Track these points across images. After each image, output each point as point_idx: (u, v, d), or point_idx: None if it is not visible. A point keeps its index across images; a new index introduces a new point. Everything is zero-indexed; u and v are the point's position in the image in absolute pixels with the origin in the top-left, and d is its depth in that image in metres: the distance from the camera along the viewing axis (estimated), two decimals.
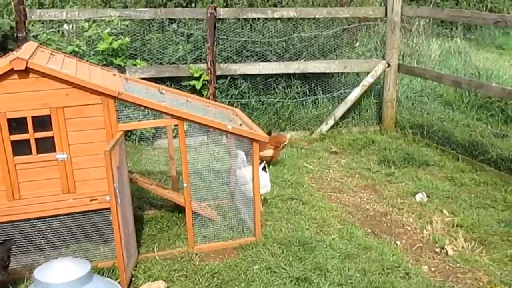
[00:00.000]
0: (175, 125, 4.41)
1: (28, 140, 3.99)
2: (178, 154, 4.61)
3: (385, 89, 8.19)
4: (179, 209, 5.16)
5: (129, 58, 7.43)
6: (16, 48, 6.85)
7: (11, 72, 3.81)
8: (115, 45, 7.10)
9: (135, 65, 7.40)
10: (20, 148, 4.00)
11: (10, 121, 3.91)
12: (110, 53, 7.19)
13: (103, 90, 4.01)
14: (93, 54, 7.24)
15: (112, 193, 3.88)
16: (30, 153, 4.02)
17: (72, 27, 7.68)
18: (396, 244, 4.87)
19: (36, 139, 4.00)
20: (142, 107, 4.36)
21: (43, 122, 3.99)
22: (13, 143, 3.96)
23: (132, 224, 4.44)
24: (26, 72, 3.83)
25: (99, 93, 4.01)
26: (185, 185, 4.47)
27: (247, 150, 4.82)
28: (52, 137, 4.03)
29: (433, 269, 4.49)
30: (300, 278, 4.21)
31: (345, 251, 4.60)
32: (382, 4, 8.84)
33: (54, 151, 4.06)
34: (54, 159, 4.08)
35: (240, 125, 4.71)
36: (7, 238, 4.19)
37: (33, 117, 3.94)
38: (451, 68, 9.63)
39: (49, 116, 3.97)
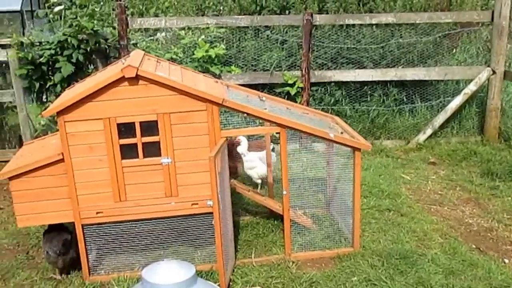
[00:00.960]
0: (277, 133, 4.51)
1: (135, 144, 4.21)
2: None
3: (488, 97, 8.01)
4: (274, 216, 5.27)
5: (224, 65, 7.62)
6: (117, 56, 7.21)
7: (122, 79, 4.05)
8: (212, 52, 7.30)
9: (230, 72, 7.59)
10: (127, 151, 4.24)
11: (119, 126, 4.16)
12: (206, 60, 7.39)
13: (208, 97, 4.18)
14: (190, 61, 7.47)
15: (215, 198, 4.02)
16: (137, 156, 4.25)
17: (165, 35, 7.95)
18: (504, 262, 4.74)
19: (143, 144, 4.22)
20: (245, 114, 4.49)
21: (149, 127, 4.20)
22: (122, 147, 4.20)
23: (231, 229, 4.58)
24: (136, 79, 4.07)
25: (204, 99, 4.19)
26: (284, 192, 4.55)
27: (346, 160, 4.83)
28: (158, 142, 4.23)
29: None
30: None
31: (449, 267, 4.52)
32: (484, 7, 8.61)
33: (159, 155, 4.27)
34: (159, 163, 4.28)
35: (341, 133, 4.74)
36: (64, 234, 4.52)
37: (140, 122, 4.16)
38: None
39: (155, 122, 4.18)
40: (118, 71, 4.03)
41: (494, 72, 7.88)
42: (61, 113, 4.09)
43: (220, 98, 4.20)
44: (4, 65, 7.69)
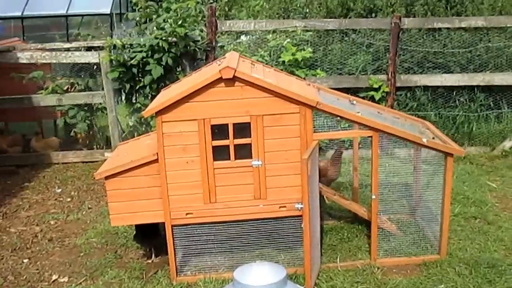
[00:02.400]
0: (369, 136, 4.44)
1: (227, 146, 4.23)
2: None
3: None
4: (359, 220, 5.22)
5: (310, 69, 7.59)
6: (205, 58, 7.27)
7: (219, 80, 4.07)
8: (299, 56, 7.29)
9: (314, 75, 7.55)
10: (219, 153, 4.26)
11: (213, 127, 4.18)
12: (292, 64, 7.38)
13: (303, 99, 4.15)
14: (275, 64, 7.46)
15: (306, 201, 3.99)
16: (228, 158, 4.27)
17: (250, 38, 7.97)
18: None
19: (235, 145, 4.23)
20: (338, 117, 4.44)
21: (242, 129, 4.21)
22: (214, 148, 4.23)
23: (318, 233, 4.54)
24: (232, 80, 4.08)
25: (298, 102, 4.16)
26: (373, 197, 4.49)
27: (433, 166, 4.76)
28: (250, 144, 4.24)
29: None
30: None
31: None
32: None
33: (251, 157, 4.27)
34: (250, 165, 4.29)
35: (433, 138, 4.64)
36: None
37: (234, 124, 4.17)
38: None
39: (248, 124, 4.19)
40: (216, 72, 4.05)
41: None
42: (159, 113, 4.16)
43: (314, 101, 4.17)
44: (95, 67, 7.89)
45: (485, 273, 4.41)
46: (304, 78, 7.19)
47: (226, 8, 9.25)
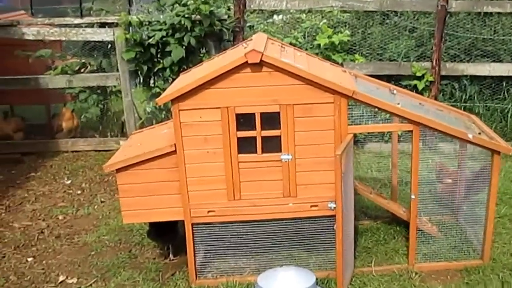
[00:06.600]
0: (409, 130, 4.36)
1: (254, 138, 4.17)
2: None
3: None
4: (397, 221, 5.17)
5: (347, 53, 7.51)
6: (232, 39, 7.20)
7: (244, 65, 4.01)
8: (336, 39, 7.21)
9: (353, 60, 7.47)
10: (244, 145, 4.21)
11: (238, 117, 4.13)
12: (328, 48, 7.30)
13: (337, 88, 4.07)
14: (310, 48, 7.38)
15: (339, 200, 3.95)
16: (255, 151, 4.22)
17: (283, 18, 7.89)
18: None
19: (262, 137, 4.18)
20: (376, 109, 4.37)
21: (270, 120, 4.15)
22: (239, 140, 4.18)
23: (352, 234, 4.51)
24: (259, 65, 4.01)
25: (332, 91, 4.08)
26: (412, 196, 4.44)
27: (479, 164, 4.71)
28: (279, 136, 4.17)
29: None
30: None
31: None
32: None
33: (279, 151, 4.21)
34: (278, 160, 4.23)
35: (479, 133, 4.57)
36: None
37: (261, 114, 4.11)
38: None
39: (277, 114, 4.12)
40: (241, 56, 3.98)
41: None
42: (176, 100, 4.11)
43: (351, 90, 4.09)
44: (109, 46, 7.84)
45: None
46: (342, 64, 7.16)
47: None
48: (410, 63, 7.50)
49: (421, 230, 4.82)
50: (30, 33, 7.58)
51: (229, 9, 7.45)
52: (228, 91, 4.07)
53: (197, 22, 7.11)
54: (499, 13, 7.64)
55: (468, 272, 4.54)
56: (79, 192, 6.61)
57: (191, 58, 7.19)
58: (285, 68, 4.01)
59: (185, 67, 6.78)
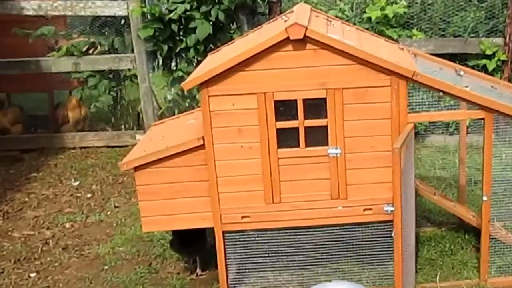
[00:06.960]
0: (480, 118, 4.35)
1: (296, 129, 4.17)
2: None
3: None
4: (465, 227, 5.19)
5: (404, 28, 7.51)
6: (267, 13, 7.20)
7: (285, 42, 4.00)
8: (389, 11, 7.21)
9: (410, 37, 7.50)
10: (285, 138, 4.21)
11: (277, 104, 4.13)
12: (381, 21, 7.30)
13: (395, 68, 4.06)
14: (359, 22, 7.42)
15: (398, 202, 3.95)
16: (297, 145, 4.22)
17: None
18: None
19: (306, 128, 4.17)
20: (440, 93, 4.35)
21: (314, 107, 4.15)
22: (278, 131, 4.17)
23: (413, 244, 4.50)
24: (303, 42, 4.00)
25: (389, 72, 4.07)
26: (484, 198, 4.43)
27: None
28: (325, 127, 4.17)
29: None
30: None
31: None
32: None
33: (326, 144, 4.21)
34: (325, 155, 4.22)
35: None
36: None
37: (304, 100, 4.11)
38: None
39: (324, 100, 4.12)
40: (281, 31, 3.97)
41: None
42: (205, 84, 4.12)
43: (411, 71, 4.07)
44: (123, 21, 7.88)
45: None
46: (397, 40, 7.16)
47: None
48: (479, 39, 7.56)
49: (495, 238, 4.80)
50: (29, 7, 7.63)
51: None
52: (265, 74, 4.07)
53: None
54: None
55: None
56: (88, 195, 6.69)
57: (219, 36, 7.25)
58: (333, 45, 4.00)
59: (213, 46, 6.81)
